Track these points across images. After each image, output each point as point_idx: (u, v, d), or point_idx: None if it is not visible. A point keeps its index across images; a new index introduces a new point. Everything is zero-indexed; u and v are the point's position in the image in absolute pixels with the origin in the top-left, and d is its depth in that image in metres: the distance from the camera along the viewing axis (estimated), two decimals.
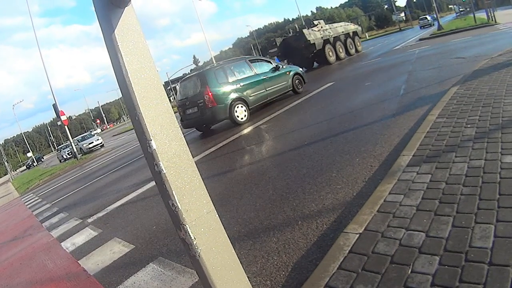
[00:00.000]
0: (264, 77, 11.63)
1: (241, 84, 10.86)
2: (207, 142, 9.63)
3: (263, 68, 12.00)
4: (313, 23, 23.67)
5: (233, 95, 10.46)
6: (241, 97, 10.67)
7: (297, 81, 12.93)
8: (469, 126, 4.03)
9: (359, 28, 29.23)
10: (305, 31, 21.30)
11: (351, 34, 25.94)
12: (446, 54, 11.91)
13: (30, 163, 66.09)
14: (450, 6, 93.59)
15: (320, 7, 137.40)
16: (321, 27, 22.86)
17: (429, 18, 51.04)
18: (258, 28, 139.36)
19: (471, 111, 4.57)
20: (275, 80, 12.00)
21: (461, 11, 60.47)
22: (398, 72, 10.66)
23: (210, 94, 10.01)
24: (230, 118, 10.36)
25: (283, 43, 23.22)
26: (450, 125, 4.26)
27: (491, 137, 3.51)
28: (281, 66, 12.54)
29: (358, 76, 12.89)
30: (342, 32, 24.55)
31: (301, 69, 13.64)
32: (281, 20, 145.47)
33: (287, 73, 12.61)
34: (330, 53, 22.76)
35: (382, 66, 13.72)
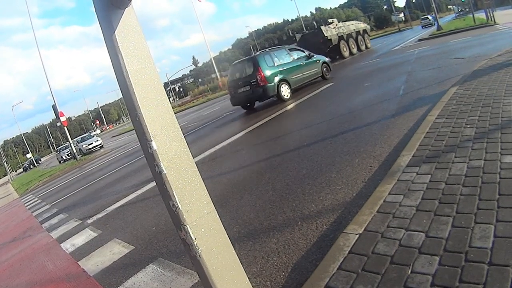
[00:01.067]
0: (301, 63, 13.72)
1: (284, 68, 12.85)
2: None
3: (299, 56, 14.05)
4: (327, 21, 26.43)
5: (279, 77, 12.42)
6: (285, 78, 12.64)
7: (324, 68, 14.92)
8: (468, 126, 4.03)
9: (368, 26, 31.70)
10: (323, 28, 23.51)
11: (361, 31, 28.21)
12: (446, 55, 11.92)
13: (27, 165, 64.37)
14: (449, 7, 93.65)
15: (319, 7, 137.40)
16: (336, 24, 25.17)
17: (430, 18, 51.77)
18: (258, 29, 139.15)
19: (470, 111, 4.57)
20: (308, 66, 14.04)
21: (460, 11, 60.54)
22: (397, 73, 10.67)
23: (262, 74, 12.01)
24: (278, 95, 12.32)
25: (302, 38, 25.34)
26: (449, 125, 4.26)
27: (490, 137, 3.51)
28: (312, 55, 14.47)
29: (358, 77, 12.90)
30: (354, 29, 26.87)
31: (327, 58, 15.65)
32: (280, 21, 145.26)
33: (317, 61, 14.63)
34: (344, 48, 25.01)
35: (382, 66, 13.73)
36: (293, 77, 13.04)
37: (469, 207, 2.42)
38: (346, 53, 25.02)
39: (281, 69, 12.70)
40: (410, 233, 2.34)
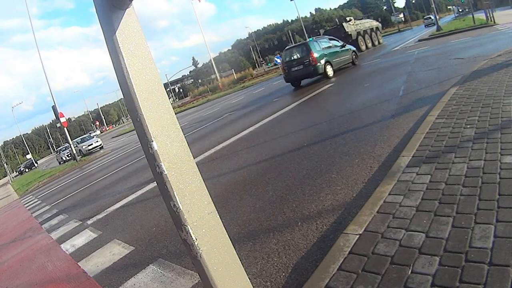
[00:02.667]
0: (338, 50, 16.99)
1: (327, 52, 15.99)
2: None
3: (336, 44, 17.34)
4: (345, 19, 30.49)
5: (325, 59, 15.52)
6: (329, 60, 15.75)
7: (354, 56, 18.19)
8: (468, 126, 4.03)
9: (380, 24, 36.36)
10: (344, 24, 27.73)
11: (374, 29, 32.76)
12: (445, 55, 11.92)
13: (22, 168, 61.49)
14: (449, 7, 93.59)
15: (319, 8, 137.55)
16: (354, 22, 29.30)
17: (432, 17, 52.61)
18: (257, 30, 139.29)
19: (470, 111, 4.57)
20: (343, 53, 17.30)
21: (461, 11, 60.67)
22: (397, 73, 10.67)
23: (313, 56, 15.11)
24: (324, 73, 15.37)
25: (326, 33, 28.93)
26: (449, 125, 4.26)
27: (490, 138, 3.51)
28: (345, 44, 17.94)
29: (357, 77, 12.92)
30: (368, 27, 31.46)
31: (354, 48, 18.98)
32: (280, 21, 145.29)
33: (349, 49, 18.00)
34: (362, 43, 28.63)
35: (381, 67, 13.74)
36: (334, 60, 16.21)
37: (469, 208, 2.42)
38: (363, 47, 28.39)
39: (326, 53, 15.85)
40: (410, 234, 2.34)
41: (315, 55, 15.17)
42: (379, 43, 32.79)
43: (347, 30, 26.97)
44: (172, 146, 1.51)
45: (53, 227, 6.88)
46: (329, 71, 15.57)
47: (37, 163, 67.22)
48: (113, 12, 1.42)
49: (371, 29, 31.85)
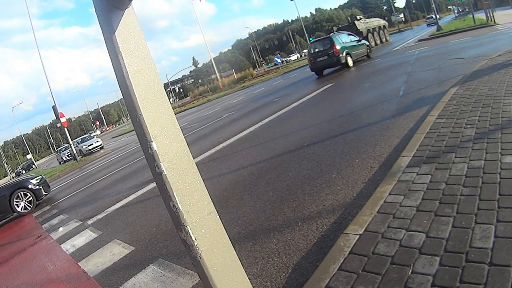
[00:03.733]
0: (356, 44, 19.24)
1: (347, 45, 18.17)
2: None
3: (353, 39, 19.58)
4: (356, 17, 32.05)
5: (346, 51, 17.65)
6: (349, 52, 17.87)
7: (368, 50, 20.45)
8: (468, 126, 4.03)
9: (386, 23, 38.97)
10: (356, 22, 29.72)
11: (382, 27, 35.13)
12: (446, 55, 11.92)
13: (20, 170, 60.04)
14: (449, 7, 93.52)
15: (319, 8, 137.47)
16: (364, 20, 31.74)
17: (434, 17, 53.34)
18: (257, 30, 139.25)
19: (470, 111, 4.57)
20: (360, 46, 19.63)
21: (462, 11, 60.74)
22: (397, 73, 10.66)
23: (336, 48, 17.19)
24: (346, 63, 17.41)
25: (339, 30, 29.50)
26: (449, 125, 4.26)
27: (490, 138, 3.51)
28: (361, 39, 20.62)
29: (357, 77, 12.93)
30: (377, 25, 33.75)
31: (368, 43, 21.50)
32: (280, 21, 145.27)
33: (364, 44, 20.35)
34: (371, 40, 30.14)
35: (382, 67, 13.74)
36: (353, 52, 18.35)
37: (470, 208, 2.42)
38: (372, 43, 29.87)
39: (346, 46, 18.01)
40: (411, 234, 2.34)
41: (338, 47, 17.33)
42: (386, 40, 35.17)
43: (358, 28, 28.66)
44: (171, 146, 1.51)
45: (53, 227, 6.88)
46: (350, 61, 17.71)
47: (34, 164, 65.68)
48: (113, 12, 1.42)
49: (379, 27, 34.16)
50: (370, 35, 30.46)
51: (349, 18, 35.38)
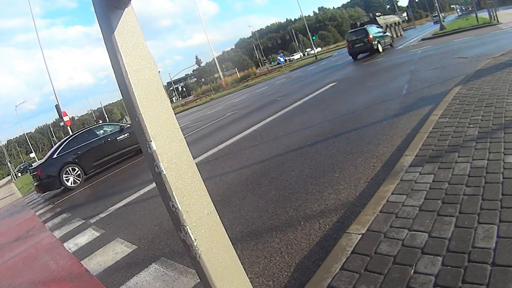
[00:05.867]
0: (383, 35, 24.10)
1: (378, 35, 22.78)
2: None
3: (381, 31, 24.45)
4: (376, 14, 37.15)
5: (377, 39, 22.29)
6: (379, 41, 22.58)
7: (391, 40, 25.67)
8: (471, 126, 4.02)
9: (401, 20, 45.16)
10: (377, 18, 34.37)
11: (397, 23, 40.67)
12: (449, 54, 11.89)
13: (16, 172, 56.74)
14: (452, 6, 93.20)
15: (322, 7, 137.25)
16: (383, 17, 36.91)
17: (441, 15, 55.21)
18: (260, 29, 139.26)
19: (473, 111, 4.56)
20: (386, 37, 24.64)
21: (465, 9, 60.67)
22: (400, 72, 10.65)
23: (370, 37, 21.68)
24: (377, 49, 21.89)
25: (361, 25, 32.89)
26: (452, 125, 4.25)
27: (493, 137, 3.49)
28: (386, 31, 26.14)
29: (361, 76, 12.91)
30: (393, 21, 38.86)
31: (389, 34, 26.84)
32: (283, 20, 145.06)
33: (388, 35, 25.38)
34: (390, 34, 33.00)
35: (385, 66, 13.71)
36: (381, 41, 23.14)
37: (472, 207, 2.41)
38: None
39: (377, 35, 22.59)
40: (413, 233, 2.33)
41: (371, 36, 21.76)
42: (400, 34, 40.30)
43: (379, 23, 32.12)
44: (171, 146, 1.50)
45: (56, 226, 6.90)
46: (380, 48, 22.35)
47: (31, 166, 64.16)
48: (112, 11, 1.42)
49: (395, 23, 39.44)
50: (388, 29, 33.10)
51: (371, 15, 38.42)
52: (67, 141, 11.83)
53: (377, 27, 24.81)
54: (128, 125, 12.88)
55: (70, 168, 11.07)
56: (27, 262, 5.22)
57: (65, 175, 10.93)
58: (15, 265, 5.31)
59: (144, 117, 1.44)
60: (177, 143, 1.53)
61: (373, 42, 21.60)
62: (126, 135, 12.23)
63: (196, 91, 77.30)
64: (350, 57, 23.91)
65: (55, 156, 11.24)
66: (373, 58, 19.36)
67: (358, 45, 22.22)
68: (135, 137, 10.66)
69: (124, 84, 1.44)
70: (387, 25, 34.20)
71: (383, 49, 22.71)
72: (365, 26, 23.85)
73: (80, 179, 11.22)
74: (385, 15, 43.93)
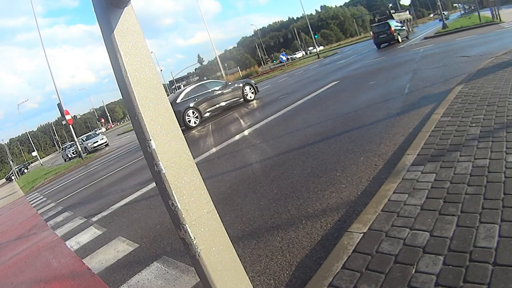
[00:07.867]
0: (401, 28, 28.32)
1: (397, 28, 26.86)
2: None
3: (399, 25, 28.43)
4: (390, 11, 39.64)
5: (397, 32, 26.23)
6: (399, 33, 26.66)
7: (408, 33, 30.18)
8: (473, 125, 4.00)
9: (411, 17, 49.45)
10: (393, 14, 36.96)
11: (408, 19, 44.32)
12: (451, 53, 11.85)
13: (10, 175, 56.05)
14: (454, 5, 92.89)
15: (324, 5, 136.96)
16: (397, 14, 39.68)
17: (445, 13, 56.97)
18: (262, 27, 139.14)
19: (476, 110, 4.54)
20: (403, 30, 28.95)
21: (466, 9, 60.66)
22: (402, 71, 10.62)
23: (392, 29, 25.81)
24: (397, 40, 26.23)
25: (379, 21, 35.97)
26: (454, 124, 4.24)
27: (496, 136, 3.48)
28: (403, 25, 30.36)
29: (363, 75, 12.87)
30: (405, 18, 41.44)
31: (405, 28, 31.38)
32: (285, 19, 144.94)
33: (405, 29, 29.68)
34: (406, 28, 36.48)
35: (387, 65, 13.69)
36: (400, 33, 27.14)
37: (474, 207, 2.40)
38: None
39: (396, 28, 26.48)
40: (415, 232, 2.33)
41: (393, 28, 25.94)
42: (411, 30, 43.01)
43: (394, 19, 34.27)
44: (170, 144, 1.50)
45: (58, 224, 6.92)
46: (400, 39, 26.45)
47: (27, 168, 63.05)
48: (112, 10, 1.42)
49: (407, 19, 42.19)
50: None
51: (387, 11, 40.78)
52: (185, 91, 14.76)
53: (396, 21, 28.68)
54: (231, 83, 16.51)
55: (191, 112, 14.04)
56: (29, 260, 5.23)
57: (187, 117, 13.84)
58: (17, 263, 5.33)
59: (144, 116, 1.44)
60: (176, 142, 1.53)
61: (394, 34, 25.91)
62: (230, 89, 15.70)
63: None
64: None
65: (178, 101, 14.15)
66: (375, 57, 19.31)
67: (382, 36, 26.51)
68: (235, 92, 15.84)
69: (124, 83, 1.44)
70: (402, 21, 36.64)
71: (402, 40, 26.85)
72: (388, 20, 27.92)
73: (198, 121, 14.11)
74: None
